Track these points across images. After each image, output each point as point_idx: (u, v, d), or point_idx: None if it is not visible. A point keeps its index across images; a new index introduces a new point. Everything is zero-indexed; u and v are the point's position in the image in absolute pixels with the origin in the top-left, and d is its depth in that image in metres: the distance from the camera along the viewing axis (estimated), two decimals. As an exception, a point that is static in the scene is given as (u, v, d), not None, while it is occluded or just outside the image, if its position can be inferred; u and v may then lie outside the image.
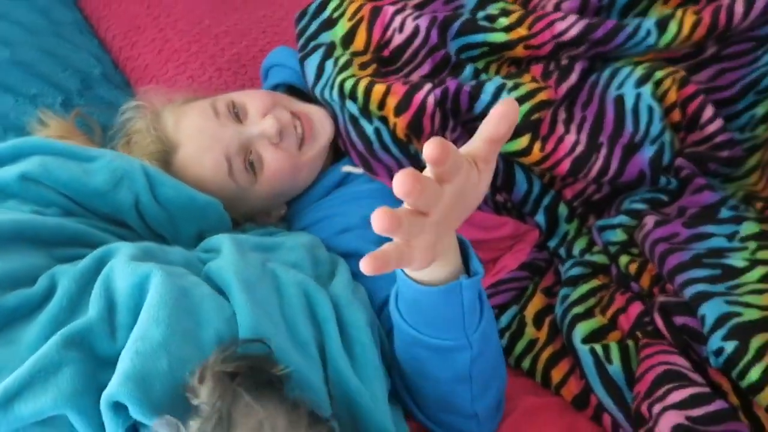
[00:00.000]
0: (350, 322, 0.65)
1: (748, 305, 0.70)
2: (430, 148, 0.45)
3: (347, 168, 0.93)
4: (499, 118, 0.50)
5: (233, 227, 0.85)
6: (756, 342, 0.66)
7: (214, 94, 0.94)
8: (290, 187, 0.90)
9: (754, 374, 0.64)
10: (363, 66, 0.92)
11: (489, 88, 0.86)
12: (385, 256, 0.47)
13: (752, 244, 0.77)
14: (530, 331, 0.82)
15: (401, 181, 0.44)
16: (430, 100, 0.83)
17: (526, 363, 0.80)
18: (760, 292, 0.72)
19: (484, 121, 0.51)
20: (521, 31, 0.92)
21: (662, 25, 0.90)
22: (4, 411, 0.50)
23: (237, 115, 0.86)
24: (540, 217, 0.93)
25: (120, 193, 0.72)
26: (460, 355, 0.64)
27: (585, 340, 0.76)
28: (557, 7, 1.01)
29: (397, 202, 0.88)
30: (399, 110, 0.84)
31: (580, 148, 0.87)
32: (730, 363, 0.66)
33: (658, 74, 0.87)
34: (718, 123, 0.87)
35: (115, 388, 0.49)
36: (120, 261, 0.60)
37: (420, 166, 0.82)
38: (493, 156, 0.53)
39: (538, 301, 0.86)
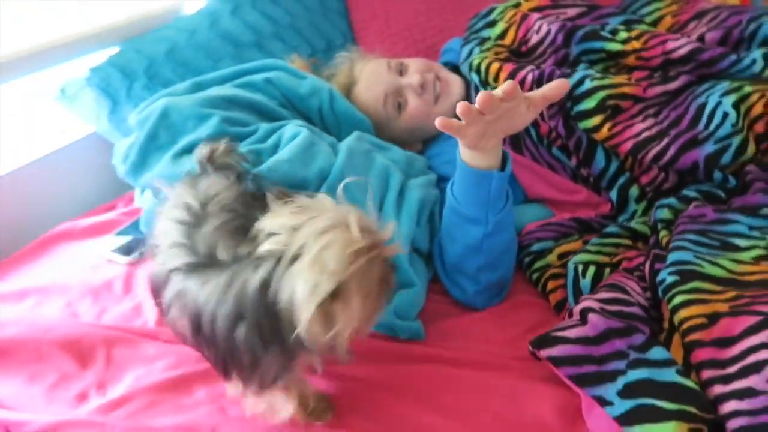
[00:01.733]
0: (409, 192, 1.02)
1: (716, 265, 0.84)
2: (507, 84, 0.80)
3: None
4: (553, 87, 0.86)
5: None
6: (693, 284, 0.81)
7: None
8: (423, 128, 1.27)
9: (678, 299, 0.80)
10: (498, 54, 1.25)
11: (577, 75, 1.11)
12: (452, 122, 0.83)
13: None
14: (551, 258, 1.04)
15: (480, 97, 0.80)
16: (529, 77, 1.12)
17: (535, 275, 1.04)
18: (738, 261, 0.85)
19: (547, 84, 0.86)
20: (636, 44, 1.16)
21: None
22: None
23: (401, 71, 1.27)
24: (613, 193, 1.14)
25: (312, 100, 1.18)
26: (477, 227, 0.94)
27: (578, 262, 0.98)
28: (701, 38, 1.21)
29: None
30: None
31: (645, 134, 1.07)
32: (665, 291, 0.82)
33: (747, 89, 1.01)
34: None
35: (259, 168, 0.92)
36: (292, 123, 1.05)
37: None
38: (540, 105, 0.87)
39: (572, 246, 1.06)
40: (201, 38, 1.36)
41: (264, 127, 1.06)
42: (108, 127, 1.30)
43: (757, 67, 1.08)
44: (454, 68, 1.36)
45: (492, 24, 1.33)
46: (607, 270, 0.95)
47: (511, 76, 1.15)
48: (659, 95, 1.12)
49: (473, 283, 0.98)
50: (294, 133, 1.02)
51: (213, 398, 0.81)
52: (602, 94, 1.09)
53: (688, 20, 1.26)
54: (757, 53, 1.09)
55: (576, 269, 0.96)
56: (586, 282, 0.95)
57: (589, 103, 1.08)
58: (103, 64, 1.31)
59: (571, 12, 1.30)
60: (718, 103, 1.04)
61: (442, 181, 1.14)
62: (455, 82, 1.28)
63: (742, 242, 0.89)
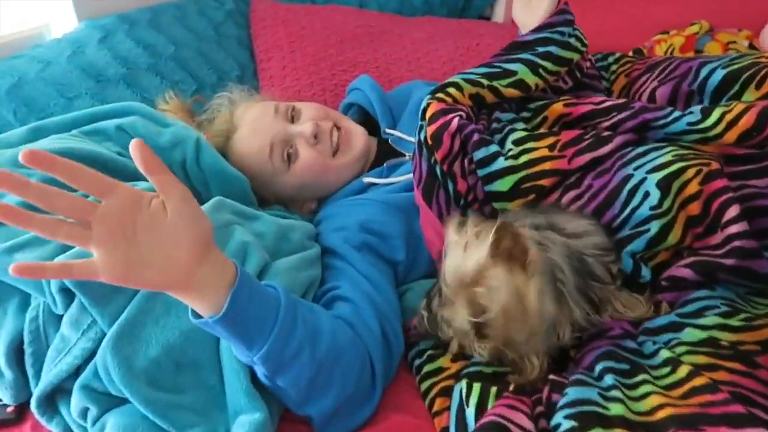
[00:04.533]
0: (269, 278, 0.81)
1: (619, 401, 0.67)
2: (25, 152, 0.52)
3: (368, 179, 1.08)
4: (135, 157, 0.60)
5: (263, 205, 1.05)
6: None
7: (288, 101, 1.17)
8: (317, 184, 1.07)
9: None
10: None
11: (491, 148, 0.92)
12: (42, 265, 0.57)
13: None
14: (443, 361, 0.84)
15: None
16: (455, 122, 0.92)
17: (424, 385, 0.83)
18: (645, 395, 0.68)
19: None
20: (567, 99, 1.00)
21: (707, 110, 0.89)
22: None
23: (292, 117, 1.08)
24: None
25: (175, 153, 0.96)
26: (258, 368, 0.71)
27: (467, 376, 0.78)
28: (652, 94, 1.06)
29: (392, 211, 1.02)
30: (432, 119, 0.94)
31: None
32: None
33: (681, 164, 0.83)
34: (741, 225, 0.78)
35: (59, 258, 0.70)
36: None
37: (434, 177, 0.93)
38: (162, 186, 0.59)
39: None
40: (56, 71, 1.13)
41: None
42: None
43: (693, 118, 0.90)
44: (362, 112, 1.17)
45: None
46: (494, 390, 0.74)
47: (441, 113, 0.93)
48: (584, 165, 0.92)
49: (306, 416, 0.77)
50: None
51: None
52: (515, 177, 0.90)
53: (639, 75, 1.13)
54: (697, 107, 0.93)
55: (461, 393, 0.76)
56: (470, 412, 0.74)
57: (502, 186, 0.90)
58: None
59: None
60: (644, 179, 0.85)
61: (327, 254, 0.94)
62: (357, 134, 1.09)
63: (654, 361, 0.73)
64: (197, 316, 0.64)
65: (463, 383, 0.76)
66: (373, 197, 1.03)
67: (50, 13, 1.27)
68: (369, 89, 1.19)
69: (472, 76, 1.00)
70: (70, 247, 0.72)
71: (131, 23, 1.26)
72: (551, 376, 0.73)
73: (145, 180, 0.90)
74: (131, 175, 0.91)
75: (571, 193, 0.90)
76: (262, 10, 1.46)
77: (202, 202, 0.97)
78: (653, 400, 0.66)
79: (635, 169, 0.87)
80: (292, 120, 1.08)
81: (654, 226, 0.82)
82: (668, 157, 0.85)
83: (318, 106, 1.12)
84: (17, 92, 1.09)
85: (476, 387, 0.75)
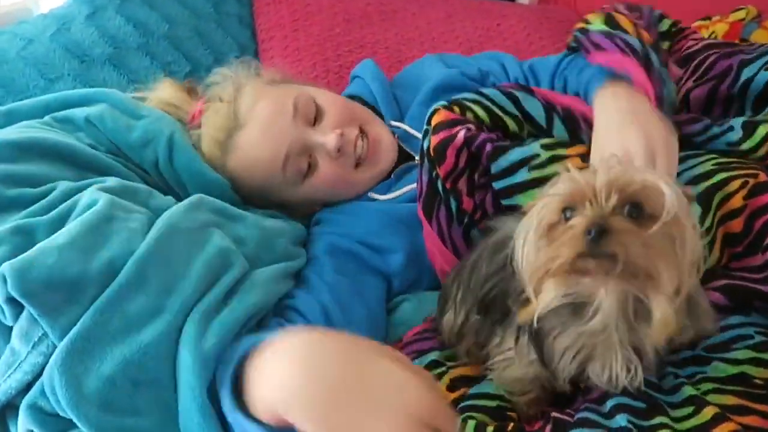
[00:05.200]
0: (243, 293, 0.72)
1: None
2: None
3: (373, 195, 0.98)
4: None
5: (247, 204, 0.95)
6: None
7: (302, 81, 1.03)
8: (328, 197, 0.97)
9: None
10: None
11: (512, 156, 0.80)
12: None
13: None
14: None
15: None
16: (461, 135, 0.81)
17: None
18: None
19: None
20: None
21: (750, 127, 0.78)
22: None
23: (314, 117, 0.93)
24: None
25: (147, 151, 0.88)
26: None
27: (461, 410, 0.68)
28: (686, 97, 0.94)
29: (394, 224, 0.92)
30: (436, 129, 0.83)
31: None
32: None
33: (723, 174, 0.72)
34: None
35: (5, 264, 0.63)
36: (95, 186, 0.76)
37: (435, 192, 0.83)
38: None
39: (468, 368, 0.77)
40: (38, 50, 1.05)
41: (63, 187, 0.77)
42: None
43: (734, 136, 0.80)
44: (365, 106, 1.06)
45: None
46: (490, 430, 0.65)
47: (448, 124, 0.82)
48: None
49: None
50: (90, 201, 0.73)
51: None
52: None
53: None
54: (738, 120, 0.81)
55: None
56: None
57: (526, 201, 0.79)
58: None
59: None
60: None
61: (319, 258, 0.86)
62: (386, 143, 0.97)
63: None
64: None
65: (458, 420, 0.67)
66: (376, 207, 0.95)
67: (39, -13, 1.21)
68: (370, 78, 1.07)
69: (507, 105, 0.86)
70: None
71: (123, -1, 1.18)
72: (553, 414, 0.64)
73: (116, 176, 0.84)
74: (101, 169, 0.84)
75: None
76: (266, -15, 1.36)
77: (180, 198, 0.90)
78: None
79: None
80: (313, 120, 0.94)
81: None
82: (708, 166, 0.75)
83: (343, 105, 0.98)
84: (-5, 72, 1.02)
85: (470, 424, 0.65)
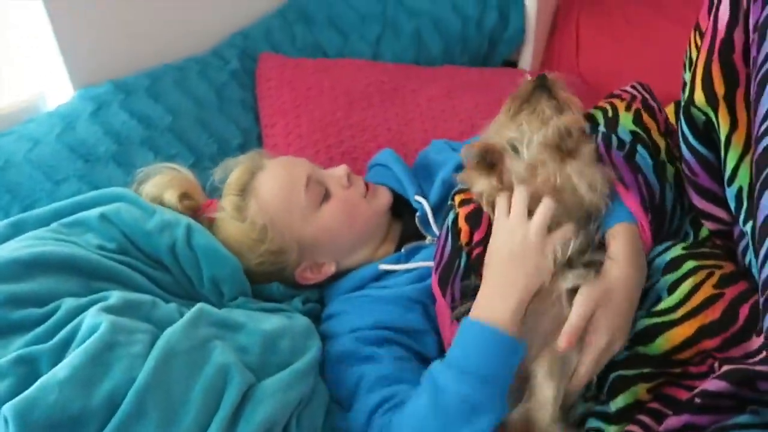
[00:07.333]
0: (251, 408, 0.73)
1: None
2: None
3: (384, 266, 0.99)
4: None
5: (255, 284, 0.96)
6: None
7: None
8: (342, 232, 1.00)
9: None
10: None
11: None
12: None
13: None
14: None
15: None
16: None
17: None
18: None
19: None
20: None
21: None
22: None
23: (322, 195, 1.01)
24: None
25: (163, 236, 0.89)
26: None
27: None
28: None
29: (413, 308, 0.95)
30: (462, 204, 0.91)
31: None
32: None
33: (691, 263, 0.75)
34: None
35: (6, 404, 0.63)
36: (98, 306, 0.76)
37: (453, 262, 0.87)
38: None
39: None
40: (44, 151, 1.07)
41: (67, 305, 0.77)
42: None
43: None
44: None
45: None
46: None
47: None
48: None
49: None
50: (92, 325, 0.72)
51: None
52: None
53: None
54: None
55: None
56: None
57: None
58: None
59: None
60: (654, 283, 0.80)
61: (346, 360, 0.89)
62: (381, 188, 1.07)
63: None
64: None
65: None
66: (386, 293, 0.95)
67: (45, 82, 1.22)
68: (392, 161, 1.12)
69: None
70: None
71: (127, 92, 1.19)
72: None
73: (121, 282, 0.84)
74: (103, 276, 0.84)
75: None
76: (269, 68, 1.37)
77: (192, 284, 0.92)
78: None
79: None
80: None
81: None
82: (680, 251, 0.80)
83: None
84: (3, 177, 1.03)
85: None
